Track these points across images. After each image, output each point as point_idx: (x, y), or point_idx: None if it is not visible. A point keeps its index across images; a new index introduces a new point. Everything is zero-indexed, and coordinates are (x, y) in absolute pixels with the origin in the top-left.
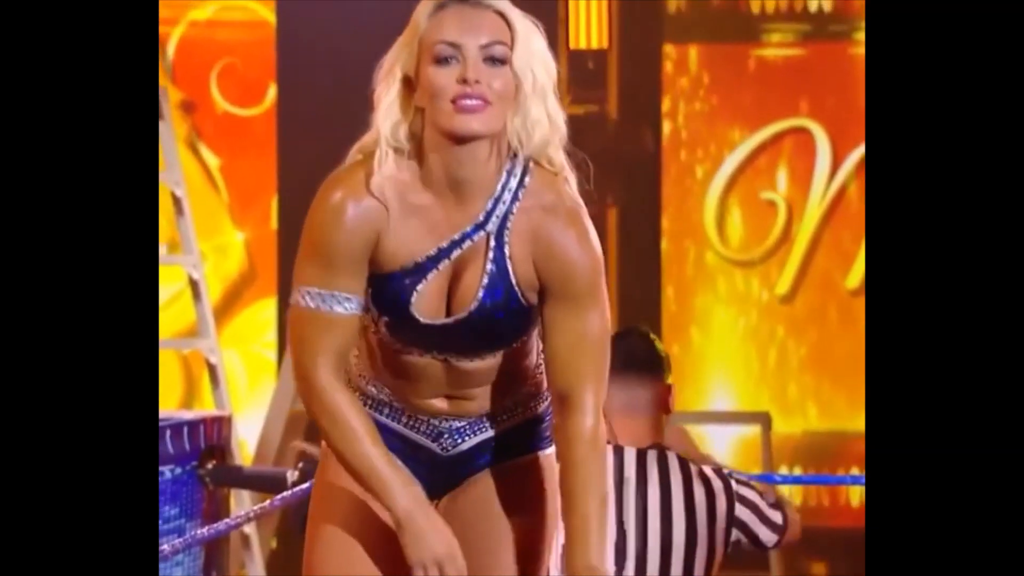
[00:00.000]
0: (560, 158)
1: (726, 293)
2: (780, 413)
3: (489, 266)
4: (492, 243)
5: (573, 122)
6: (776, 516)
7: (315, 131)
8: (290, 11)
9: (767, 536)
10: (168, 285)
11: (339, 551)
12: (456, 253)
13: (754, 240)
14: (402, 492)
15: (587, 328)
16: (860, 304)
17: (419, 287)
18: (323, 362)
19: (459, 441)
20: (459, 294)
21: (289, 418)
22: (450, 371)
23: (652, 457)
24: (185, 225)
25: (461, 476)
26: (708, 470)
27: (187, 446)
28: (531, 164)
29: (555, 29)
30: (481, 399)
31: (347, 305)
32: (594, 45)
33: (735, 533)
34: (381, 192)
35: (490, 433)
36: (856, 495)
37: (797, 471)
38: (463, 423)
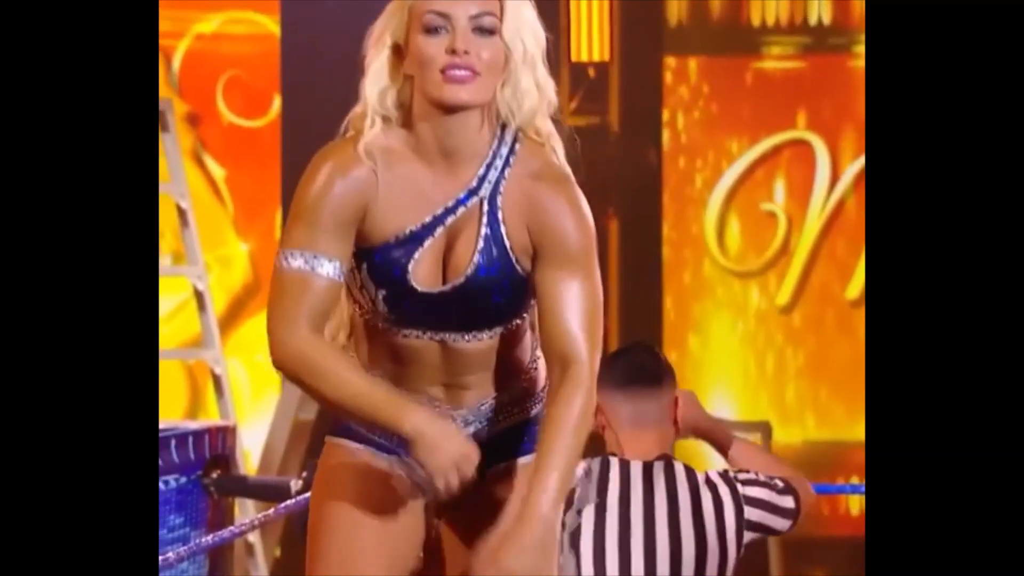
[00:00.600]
0: (547, 127)
1: (726, 303)
2: (780, 422)
3: (483, 230)
4: (485, 208)
5: (575, 133)
6: (788, 501)
7: (319, 142)
8: (294, 23)
9: (782, 525)
10: (173, 296)
11: (340, 551)
12: (450, 220)
13: (754, 251)
14: (405, 412)
15: (581, 291)
16: (859, 314)
17: (416, 255)
18: (302, 324)
19: None
20: (454, 260)
21: (293, 428)
22: (446, 355)
23: (659, 469)
24: (190, 236)
25: None
26: (715, 476)
27: (192, 456)
28: (520, 134)
29: (557, 41)
30: (476, 389)
31: (330, 268)
32: (596, 57)
33: (748, 535)
34: (370, 159)
35: (486, 434)
36: (856, 504)
37: None
38: (459, 422)
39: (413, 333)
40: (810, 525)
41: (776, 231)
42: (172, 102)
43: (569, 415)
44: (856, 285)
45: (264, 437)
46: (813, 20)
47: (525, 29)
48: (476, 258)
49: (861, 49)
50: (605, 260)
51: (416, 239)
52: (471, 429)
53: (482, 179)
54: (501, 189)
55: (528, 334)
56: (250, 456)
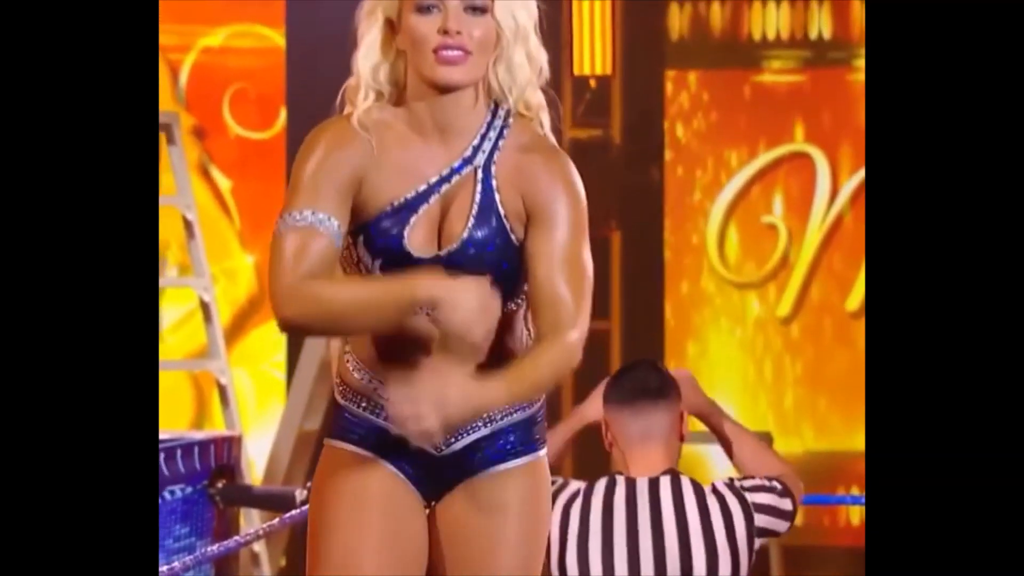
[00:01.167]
0: (536, 99)
1: (727, 314)
2: (780, 432)
3: (477, 197)
4: (479, 176)
5: (578, 146)
6: (788, 504)
7: None
8: (300, 36)
9: (783, 527)
10: (179, 307)
11: (342, 551)
12: (444, 188)
13: (755, 262)
14: (412, 284)
15: (571, 257)
16: (859, 326)
17: (411, 221)
18: (301, 274)
19: (453, 441)
20: (449, 227)
21: (298, 438)
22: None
23: (665, 483)
24: (196, 248)
25: (455, 479)
26: (720, 486)
27: (198, 466)
28: (513, 111)
29: (560, 56)
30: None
31: (328, 225)
32: (598, 71)
33: (758, 542)
34: (365, 131)
35: (483, 432)
36: (856, 514)
37: None
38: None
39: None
40: (811, 535)
41: (777, 243)
42: (179, 116)
43: (540, 357)
44: (856, 297)
45: (269, 447)
46: (813, 34)
47: (516, 4)
48: (470, 223)
49: (861, 63)
50: (608, 274)
51: (411, 207)
52: (468, 437)
53: (476, 149)
54: (495, 159)
55: (523, 328)
56: (255, 466)
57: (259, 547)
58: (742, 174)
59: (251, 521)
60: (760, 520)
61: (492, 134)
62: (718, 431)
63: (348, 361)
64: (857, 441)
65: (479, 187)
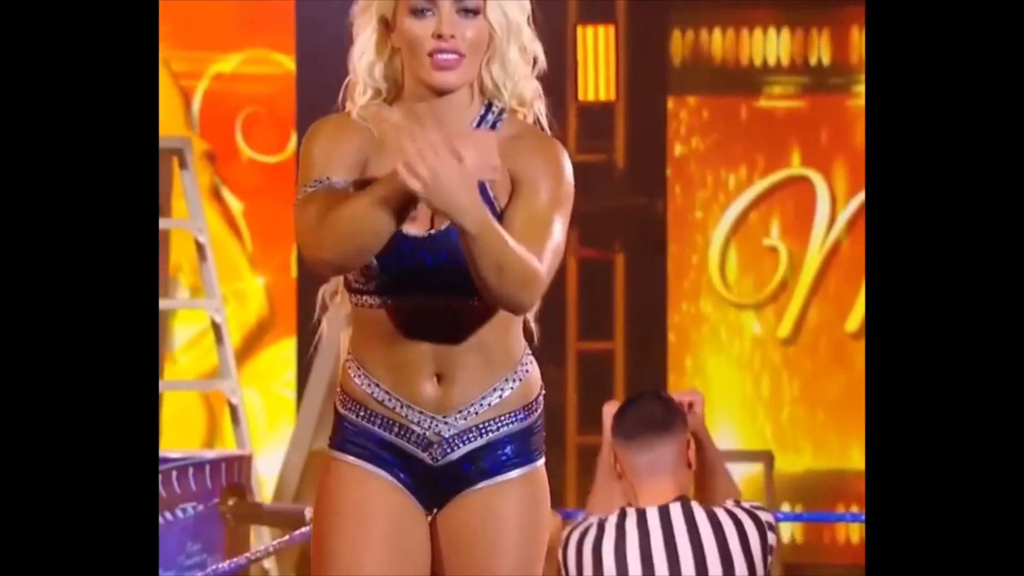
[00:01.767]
0: (530, 92)
1: (728, 335)
2: (780, 451)
3: None
4: None
5: (582, 171)
6: (772, 518)
7: None
8: (310, 61)
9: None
10: (191, 328)
11: (347, 559)
12: None
13: (757, 284)
14: (396, 171)
15: (545, 220)
16: (859, 346)
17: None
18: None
19: (449, 451)
20: None
21: (307, 457)
22: (438, 328)
23: (676, 509)
24: (208, 271)
25: (453, 490)
26: (731, 506)
27: (209, 484)
28: (506, 107)
29: (564, 82)
30: (467, 383)
31: (344, 186)
32: (602, 97)
33: (769, 559)
34: (364, 120)
35: (479, 443)
36: (856, 532)
37: (798, 508)
38: (452, 431)
39: (405, 301)
40: (811, 553)
41: (779, 265)
42: (191, 141)
43: (518, 246)
44: (855, 318)
45: (279, 466)
46: (813, 60)
47: (508, 2)
48: None
49: (861, 89)
50: (611, 296)
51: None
52: (465, 447)
53: None
54: None
55: (519, 329)
56: (265, 484)
57: (269, 564)
58: (743, 197)
59: (261, 538)
60: (771, 539)
61: (485, 127)
62: (705, 456)
63: (350, 367)
64: (857, 460)
65: None
